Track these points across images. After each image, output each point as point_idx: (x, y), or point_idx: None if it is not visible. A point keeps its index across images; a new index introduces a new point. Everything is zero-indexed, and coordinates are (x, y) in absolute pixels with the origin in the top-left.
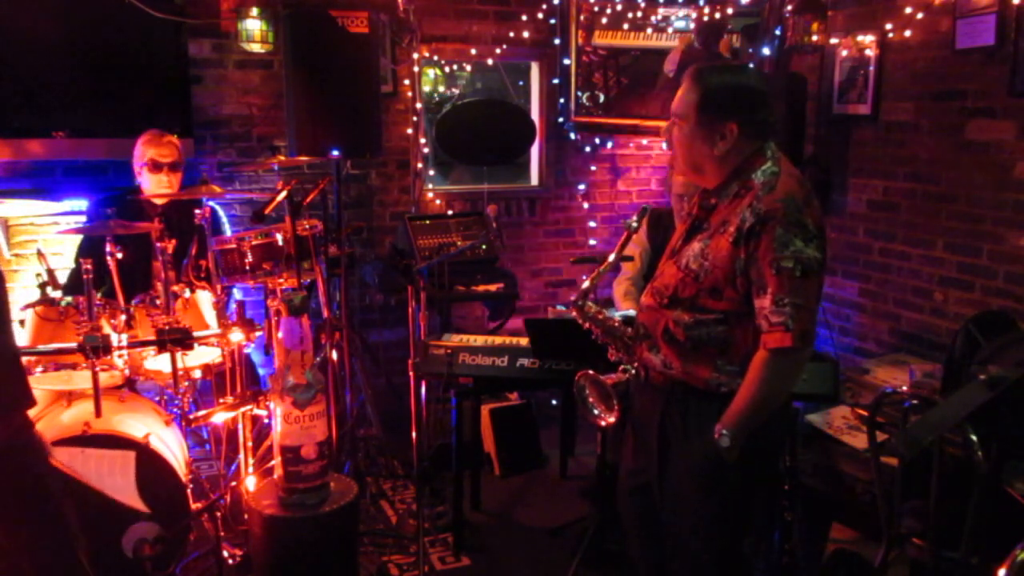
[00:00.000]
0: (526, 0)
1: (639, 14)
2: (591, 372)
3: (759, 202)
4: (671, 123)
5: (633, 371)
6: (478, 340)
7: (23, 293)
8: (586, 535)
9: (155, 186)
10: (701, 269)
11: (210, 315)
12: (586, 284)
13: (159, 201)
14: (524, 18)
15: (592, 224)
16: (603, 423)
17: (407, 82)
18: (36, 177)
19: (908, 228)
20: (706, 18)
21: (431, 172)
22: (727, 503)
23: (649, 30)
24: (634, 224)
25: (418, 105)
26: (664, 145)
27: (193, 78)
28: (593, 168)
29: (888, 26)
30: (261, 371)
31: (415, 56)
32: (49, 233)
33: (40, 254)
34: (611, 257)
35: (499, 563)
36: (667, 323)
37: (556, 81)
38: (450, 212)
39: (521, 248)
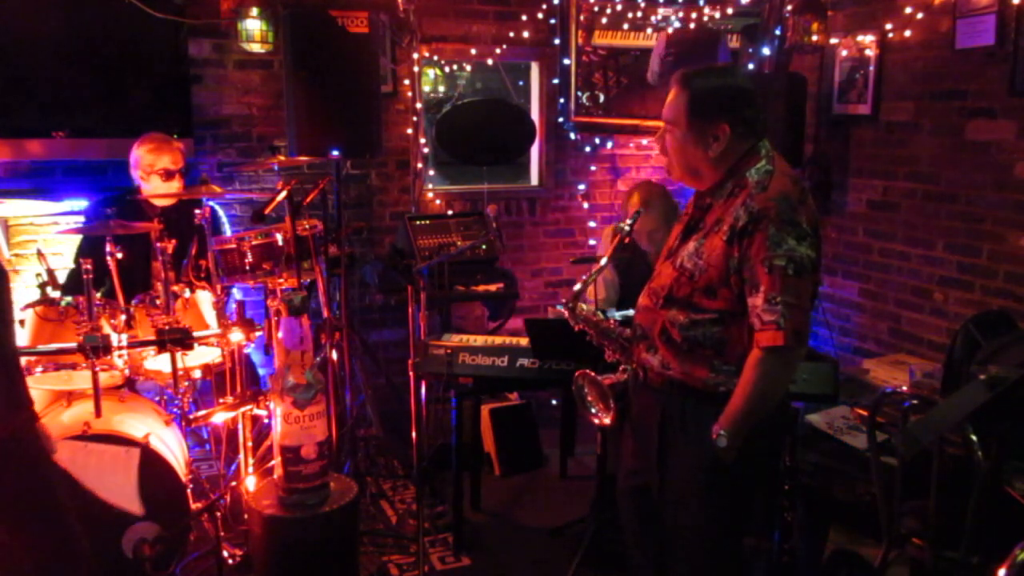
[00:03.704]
0: (526, 0)
1: (639, 14)
2: (589, 372)
3: (752, 200)
4: (663, 130)
5: (631, 371)
6: (478, 340)
7: (23, 293)
8: (586, 535)
9: (164, 191)
10: (695, 268)
11: (210, 315)
12: (577, 287)
13: (159, 201)
14: (524, 18)
15: (592, 224)
16: (600, 423)
17: (407, 82)
18: (36, 177)
19: (908, 228)
20: (706, 18)
21: (431, 172)
22: (726, 503)
23: (649, 30)
24: (626, 227)
25: (418, 105)
26: (657, 147)
27: (193, 78)
28: (593, 168)
29: (888, 26)
30: (261, 371)
31: (415, 56)
32: (49, 233)
33: (40, 254)
34: (603, 260)
35: (499, 563)
36: (664, 323)
37: (556, 81)
38: (450, 212)
39: (521, 248)
